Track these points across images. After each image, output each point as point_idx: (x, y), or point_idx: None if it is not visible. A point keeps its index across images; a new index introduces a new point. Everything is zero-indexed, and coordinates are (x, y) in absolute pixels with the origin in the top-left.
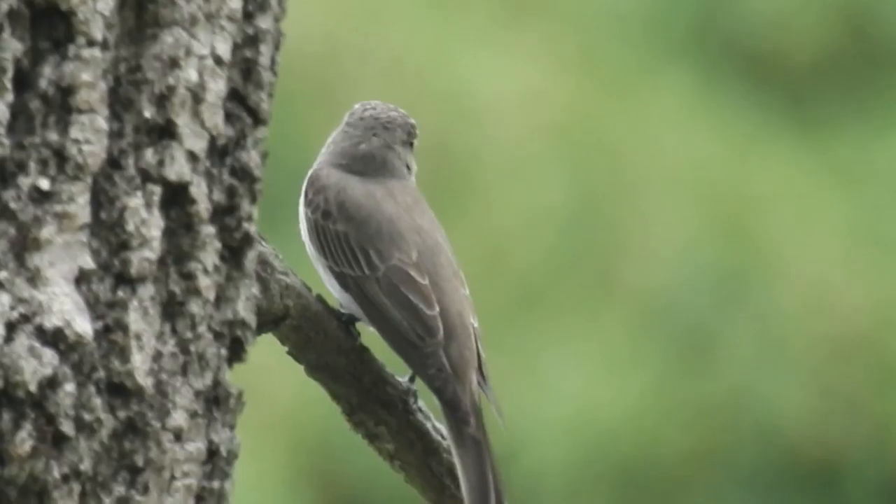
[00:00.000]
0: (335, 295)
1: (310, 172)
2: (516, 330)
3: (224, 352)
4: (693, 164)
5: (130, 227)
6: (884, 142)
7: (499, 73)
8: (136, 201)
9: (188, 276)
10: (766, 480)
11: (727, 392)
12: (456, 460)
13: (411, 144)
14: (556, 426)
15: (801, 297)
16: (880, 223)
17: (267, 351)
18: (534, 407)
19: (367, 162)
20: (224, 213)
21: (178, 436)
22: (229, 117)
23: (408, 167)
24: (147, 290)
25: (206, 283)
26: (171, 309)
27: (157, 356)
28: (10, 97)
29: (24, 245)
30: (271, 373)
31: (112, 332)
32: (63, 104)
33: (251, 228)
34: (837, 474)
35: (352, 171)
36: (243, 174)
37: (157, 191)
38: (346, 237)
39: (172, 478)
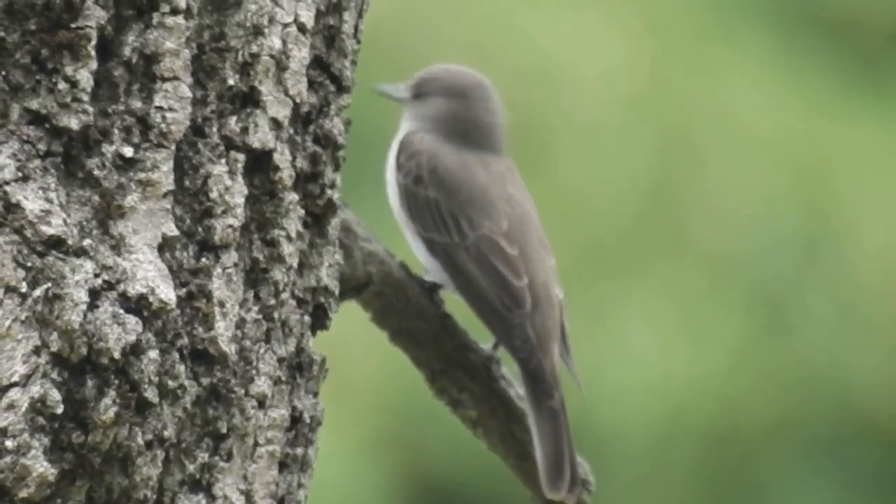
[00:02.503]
0: (422, 260)
1: (400, 137)
2: (594, 295)
3: (307, 318)
4: (771, 129)
5: (214, 194)
6: None
7: (576, 42)
8: (219, 168)
9: (271, 243)
10: (845, 449)
11: (805, 359)
12: (533, 430)
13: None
14: (633, 392)
15: (881, 263)
16: None
17: (350, 319)
18: (611, 372)
19: (460, 128)
20: (307, 180)
21: (262, 402)
22: (312, 85)
23: (496, 121)
24: (230, 257)
25: (289, 250)
26: (255, 276)
27: (241, 323)
28: (94, 65)
29: (108, 212)
30: (354, 341)
31: (195, 299)
32: (147, 72)
33: (334, 195)
34: None
35: (445, 138)
36: (326, 141)
37: (240, 158)
38: (437, 204)
39: (256, 444)
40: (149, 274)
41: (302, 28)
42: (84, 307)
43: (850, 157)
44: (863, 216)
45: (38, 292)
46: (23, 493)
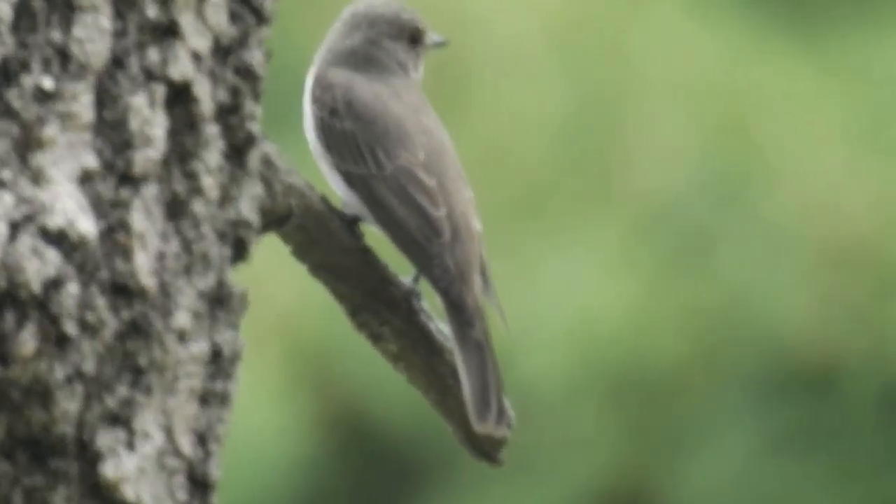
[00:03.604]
0: (339, 193)
1: (314, 70)
2: (514, 234)
3: (227, 251)
4: (693, 67)
5: (134, 126)
6: (884, 45)
7: None
8: (139, 100)
9: (191, 176)
10: (764, 386)
11: (726, 297)
12: (458, 362)
13: (413, 42)
14: (553, 330)
15: (801, 202)
16: (880, 126)
17: (269, 252)
18: (531, 311)
19: (352, 58)
20: (227, 113)
21: (182, 336)
22: (233, 16)
23: (401, 64)
24: (150, 190)
25: (209, 182)
26: (175, 208)
27: (161, 256)
28: None
29: (27, 144)
30: (273, 274)
31: (115, 232)
32: (66, 2)
33: (254, 127)
34: (836, 380)
35: (351, 69)
36: (246, 73)
37: (160, 90)
38: (354, 136)
39: (176, 379)
40: (68, 206)
41: None
42: (3, 240)
43: (774, 94)
44: (786, 153)
45: None
46: None
